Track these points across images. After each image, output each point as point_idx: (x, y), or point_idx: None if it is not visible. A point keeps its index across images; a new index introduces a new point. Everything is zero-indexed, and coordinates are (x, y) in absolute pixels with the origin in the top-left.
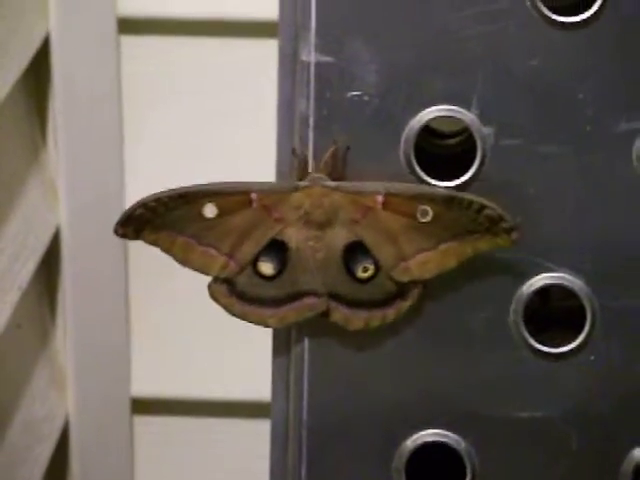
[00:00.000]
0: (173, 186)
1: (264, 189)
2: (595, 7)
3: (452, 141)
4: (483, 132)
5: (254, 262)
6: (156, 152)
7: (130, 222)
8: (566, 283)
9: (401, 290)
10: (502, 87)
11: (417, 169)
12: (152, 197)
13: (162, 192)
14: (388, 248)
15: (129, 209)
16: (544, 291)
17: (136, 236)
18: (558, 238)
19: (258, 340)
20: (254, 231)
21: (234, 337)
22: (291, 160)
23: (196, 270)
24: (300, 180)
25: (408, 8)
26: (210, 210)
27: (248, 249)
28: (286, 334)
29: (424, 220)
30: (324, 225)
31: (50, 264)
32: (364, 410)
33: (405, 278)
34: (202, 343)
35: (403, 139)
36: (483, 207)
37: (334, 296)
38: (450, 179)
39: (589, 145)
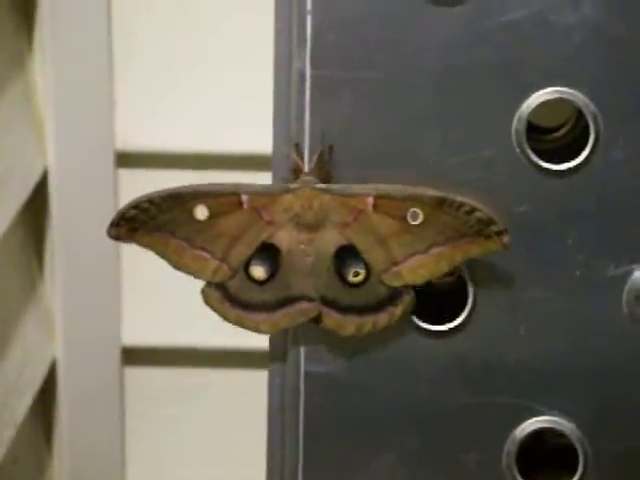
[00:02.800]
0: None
1: (254, 190)
2: (585, 153)
3: None
4: (474, 276)
5: (246, 266)
6: (155, 278)
7: (123, 223)
8: (558, 427)
9: (392, 295)
10: None
11: None
12: (144, 197)
13: (154, 192)
14: (379, 252)
15: (121, 210)
16: (536, 432)
17: (129, 238)
18: (548, 381)
19: None
20: (245, 234)
21: None
22: (287, 164)
23: (189, 274)
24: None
25: (398, 152)
26: (201, 212)
27: (240, 252)
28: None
29: (415, 223)
30: (314, 228)
31: (47, 399)
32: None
33: (396, 283)
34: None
35: None
36: (474, 209)
37: (326, 301)
38: None
39: (579, 289)
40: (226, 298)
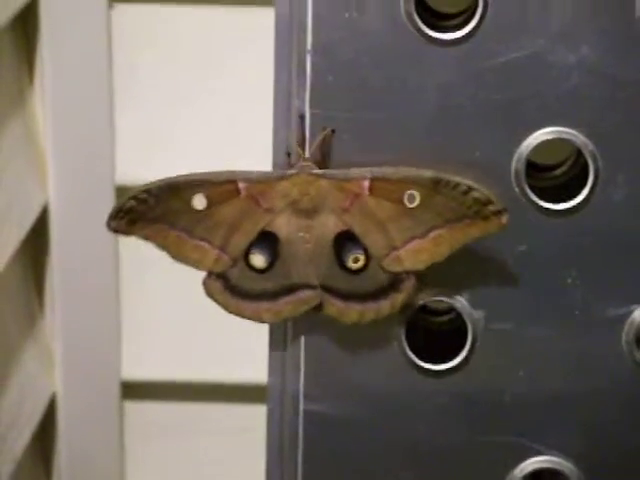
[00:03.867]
0: None
1: (251, 178)
2: (584, 193)
3: None
4: (474, 316)
5: (246, 255)
6: (155, 313)
7: (121, 215)
8: (557, 466)
9: (394, 282)
10: (492, 271)
11: None
12: (142, 188)
13: (151, 183)
14: (378, 236)
15: (120, 202)
16: (535, 472)
17: (129, 230)
18: (547, 421)
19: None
20: (244, 222)
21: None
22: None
23: (189, 265)
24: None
25: None
26: (199, 201)
27: (239, 241)
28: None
29: (412, 206)
30: (312, 214)
31: (46, 434)
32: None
33: (397, 268)
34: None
35: (395, 321)
36: (470, 189)
37: (327, 289)
38: None
39: (578, 329)
40: (227, 288)
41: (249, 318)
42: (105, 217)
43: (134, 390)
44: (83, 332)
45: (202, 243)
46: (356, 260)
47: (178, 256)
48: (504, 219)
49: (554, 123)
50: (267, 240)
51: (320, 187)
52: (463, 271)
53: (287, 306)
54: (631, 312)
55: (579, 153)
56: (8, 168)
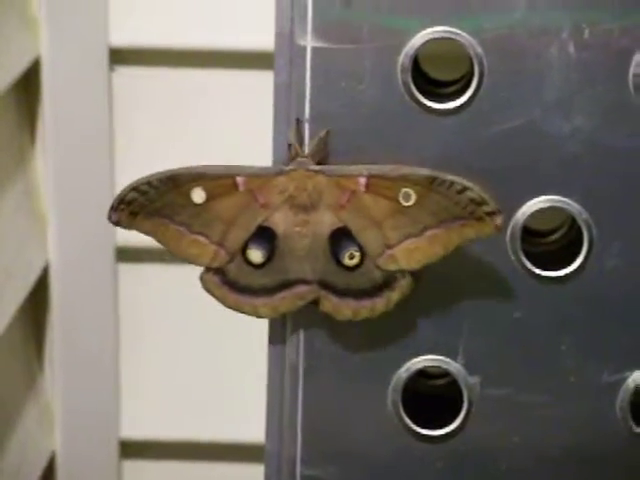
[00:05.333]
0: None
1: (249, 172)
2: (579, 261)
3: None
4: (469, 382)
5: (243, 250)
6: (154, 373)
7: (123, 207)
8: None
9: (389, 280)
10: (487, 338)
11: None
12: (143, 180)
13: (151, 175)
14: (373, 234)
15: (121, 193)
16: None
17: (130, 223)
18: None
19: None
20: (241, 217)
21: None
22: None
23: (188, 261)
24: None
25: None
26: (198, 195)
27: (237, 236)
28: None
29: (407, 204)
30: (309, 209)
31: None
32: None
33: (391, 267)
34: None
35: (391, 387)
36: (465, 188)
37: (324, 285)
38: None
39: (573, 395)
40: (225, 283)
41: (247, 313)
42: (105, 278)
43: (133, 449)
44: (83, 391)
45: (200, 238)
46: (351, 257)
47: (177, 251)
48: (498, 220)
49: (549, 191)
50: (264, 235)
51: (317, 183)
52: (459, 336)
53: (284, 301)
54: (625, 379)
55: (574, 219)
56: (9, 229)
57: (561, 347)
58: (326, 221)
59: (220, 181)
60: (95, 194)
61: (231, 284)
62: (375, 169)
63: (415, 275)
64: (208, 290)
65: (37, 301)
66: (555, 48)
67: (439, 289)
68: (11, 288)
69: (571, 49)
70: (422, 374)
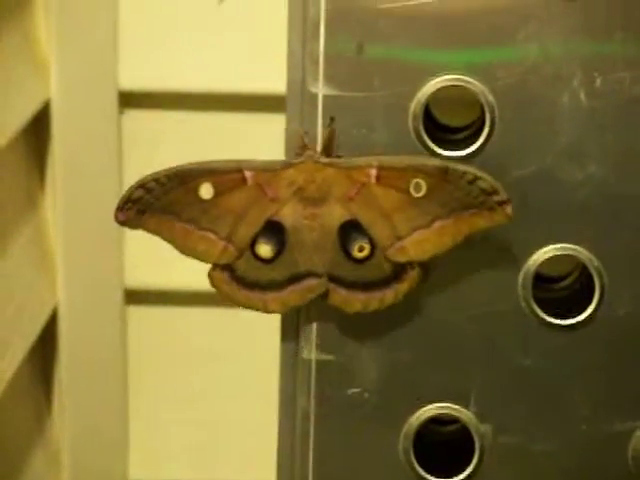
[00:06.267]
0: None
1: (258, 166)
2: (590, 309)
3: None
4: (481, 430)
5: (252, 245)
6: (161, 415)
7: (130, 205)
8: None
9: (398, 272)
10: (499, 385)
11: None
12: (150, 177)
13: (159, 171)
14: (383, 226)
15: (127, 191)
16: None
17: (136, 223)
18: None
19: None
20: (250, 212)
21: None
22: None
23: (197, 258)
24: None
25: (407, 308)
26: (206, 190)
27: (246, 231)
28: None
29: (418, 195)
30: (318, 201)
31: None
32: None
33: (401, 258)
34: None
35: (402, 435)
36: (476, 178)
37: (333, 277)
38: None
39: (584, 444)
40: (233, 279)
41: (256, 308)
42: (114, 320)
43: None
44: (91, 434)
45: (208, 234)
46: (361, 249)
47: (185, 248)
48: (509, 209)
49: (561, 239)
50: (273, 229)
51: (326, 175)
52: (470, 384)
53: (293, 295)
54: (637, 427)
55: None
56: (19, 271)
57: (573, 395)
58: (335, 213)
59: (228, 176)
60: (104, 237)
61: (240, 280)
62: (385, 160)
63: (424, 267)
64: (216, 287)
65: (46, 343)
66: (567, 96)
67: (451, 336)
68: (21, 330)
69: (582, 97)
70: (433, 420)
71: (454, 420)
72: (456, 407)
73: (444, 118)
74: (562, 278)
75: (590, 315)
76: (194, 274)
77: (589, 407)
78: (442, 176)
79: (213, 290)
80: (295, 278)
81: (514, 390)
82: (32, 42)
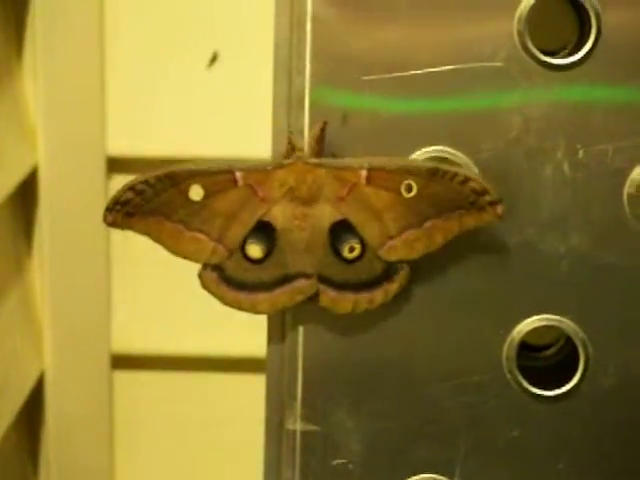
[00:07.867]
0: None
1: (248, 167)
2: (575, 380)
3: None
4: None
5: (242, 246)
6: (150, 469)
7: (118, 208)
8: None
9: (388, 271)
10: (484, 456)
11: None
12: (139, 179)
13: (149, 173)
14: (374, 226)
15: (116, 193)
16: None
17: (125, 224)
18: None
19: None
20: (241, 212)
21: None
22: None
23: (186, 258)
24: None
25: (391, 377)
26: (196, 192)
27: (236, 232)
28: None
29: (409, 196)
30: (309, 202)
31: None
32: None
33: (392, 257)
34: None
35: None
36: (467, 179)
37: (323, 278)
38: None
39: None
40: (223, 280)
41: (245, 310)
42: (101, 385)
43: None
44: None
45: (198, 235)
46: (352, 249)
47: (175, 249)
48: (499, 209)
49: (545, 310)
50: (263, 230)
51: (317, 176)
52: (455, 455)
53: (283, 296)
54: None
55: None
56: (5, 337)
57: (558, 466)
58: (326, 214)
59: (219, 177)
60: (91, 303)
61: (229, 280)
62: (376, 161)
63: (412, 266)
64: (206, 287)
65: (32, 408)
66: (550, 168)
67: (435, 407)
68: (7, 396)
69: (566, 169)
70: None
71: None
72: (441, 478)
73: None
74: (548, 346)
75: (574, 386)
76: (180, 339)
77: (574, 477)
78: (433, 177)
79: (199, 355)
80: (285, 279)
81: (499, 461)
82: (20, 107)
